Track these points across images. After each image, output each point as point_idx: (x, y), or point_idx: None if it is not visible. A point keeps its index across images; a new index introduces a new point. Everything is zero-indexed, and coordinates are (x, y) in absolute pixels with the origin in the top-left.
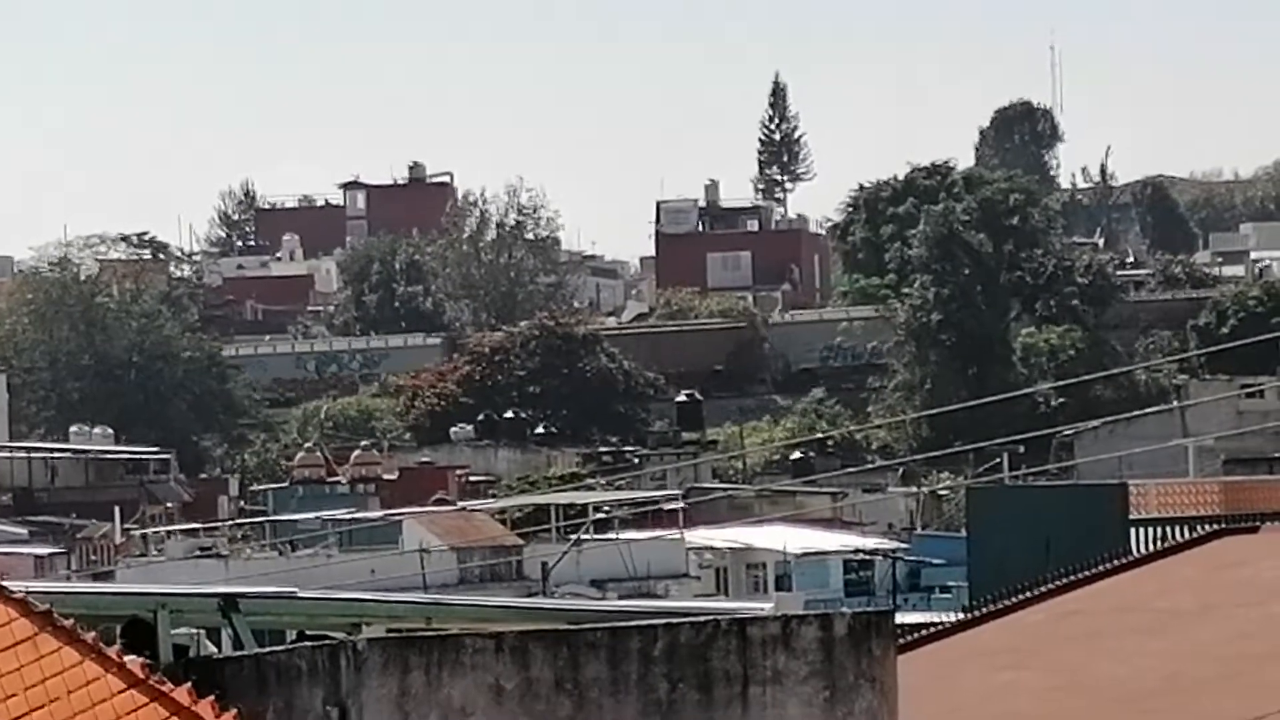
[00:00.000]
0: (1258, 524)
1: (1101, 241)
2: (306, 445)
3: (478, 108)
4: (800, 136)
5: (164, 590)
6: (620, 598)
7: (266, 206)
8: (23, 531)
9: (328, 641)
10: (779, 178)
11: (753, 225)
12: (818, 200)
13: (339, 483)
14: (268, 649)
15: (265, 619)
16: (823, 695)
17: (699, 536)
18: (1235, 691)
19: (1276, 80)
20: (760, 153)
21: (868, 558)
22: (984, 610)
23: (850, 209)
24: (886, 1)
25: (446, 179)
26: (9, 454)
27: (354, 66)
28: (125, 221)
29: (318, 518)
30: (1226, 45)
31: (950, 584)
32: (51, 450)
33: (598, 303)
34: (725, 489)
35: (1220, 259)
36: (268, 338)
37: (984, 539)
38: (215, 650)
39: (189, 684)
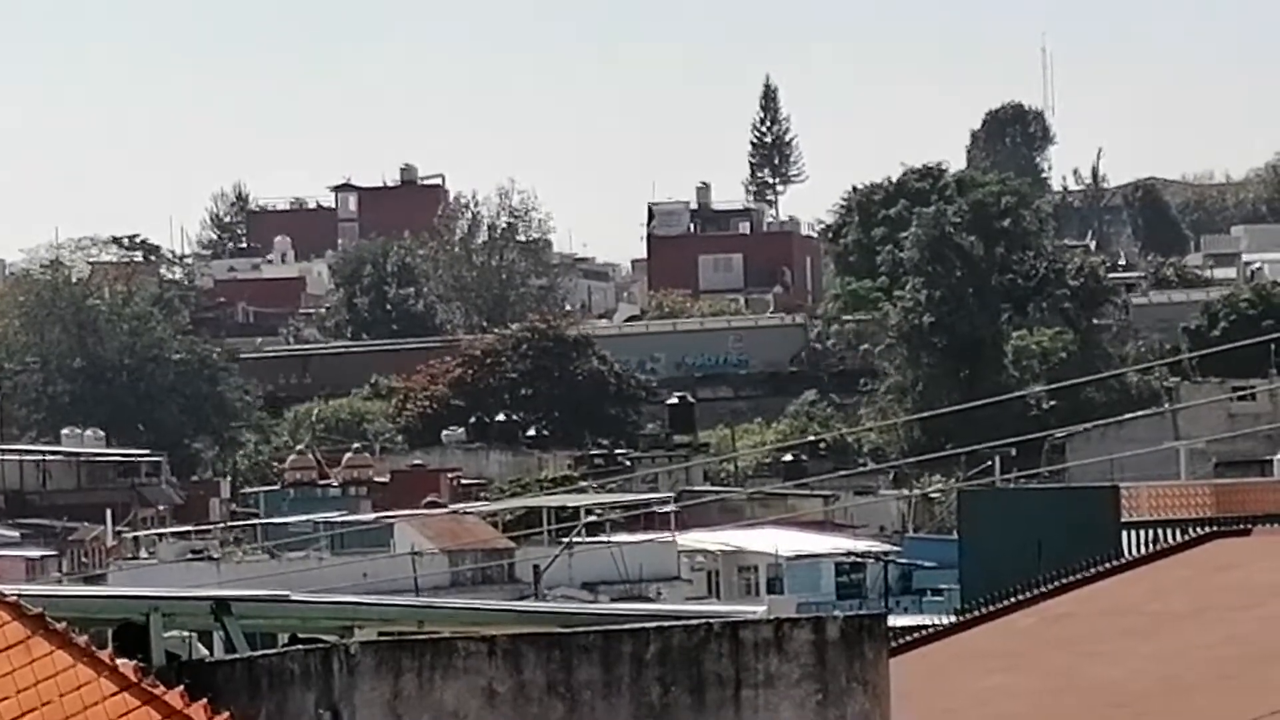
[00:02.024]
0: (1250, 526)
1: (1093, 244)
2: (298, 448)
3: (469, 110)
4: (792, 139)
5: (156, 594)
6: (612, 600)
7: (258, 209)
8: (14, 534)
9: (320, 645)
10: (770, 180)
11: (744, 227)
12: (809, 203)
13: (330, 485)
14: (260, 652)
15: (257, 622)
16: (815, 698)
17: (691, 539)
18: (1228, 694)
19: (1268, 82)
20: (752, 155)
21: (859, 560)
22: (976, 613)
23: (842, 211)
24: (877, 4)
25: (438, 181)
26: (0, 456)
27: (346, 69)
28: (116, 224)
29: (309, 520)
30: (1217, 47)
31: (942, 587)
32: (43, 453)
33: (589, 305)
34: (717, 492)
35: (1212, 261)
36: (259, 340)
37: (976, 542)
38: (207, 653)
39: (181, 687)
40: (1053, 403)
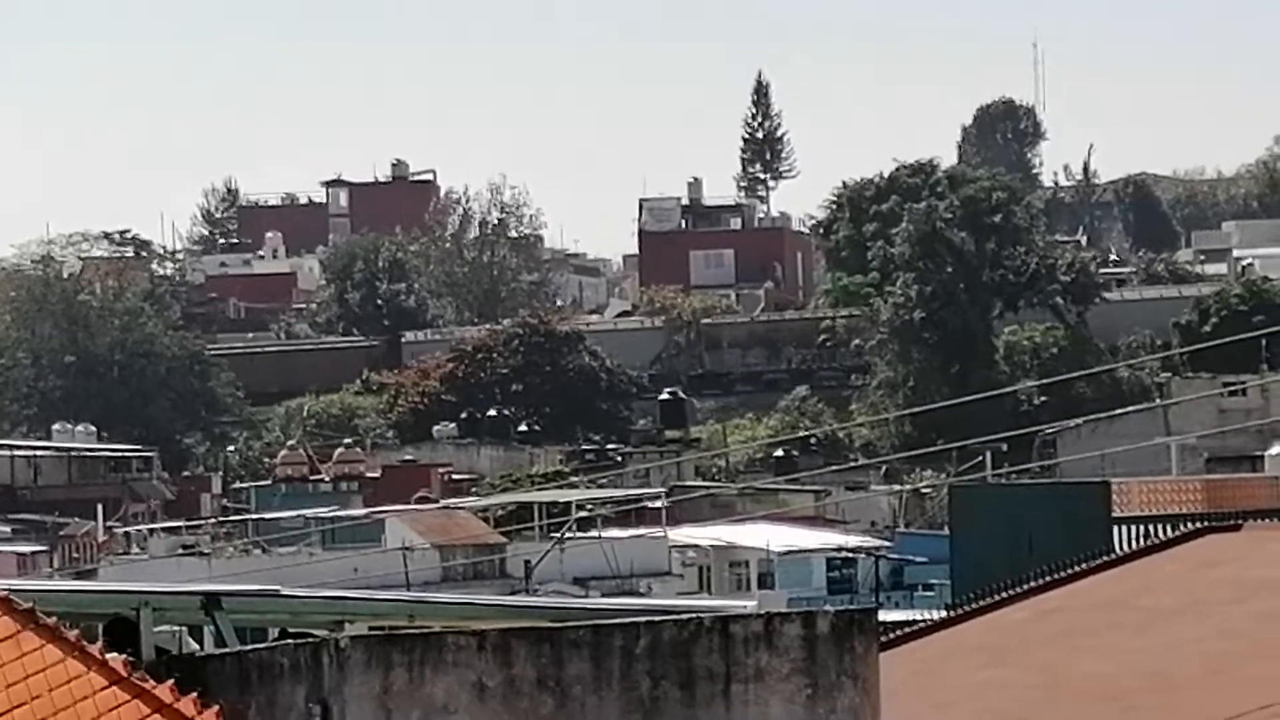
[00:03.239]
0: (1240, 522)
1: (1084, 239)
2: (289, 443)
3: (461, 105)
4: (783, 134)
5: (147, 588)
6: (603, 596)
7: (249, 204)
8: (5, 529)
9: (310, 639)
10: (762, 175)
11: (736, 223)
12: (801, 198)
13: (322, 481)
14: (250, 647)
15: (248, 617)
16: (805, 693)
17: (682, 534)
18: (1218, 689)
19: (1259, 78)
20: (743, 150)
21: (850, 556)
22: (966, 608)
23: (833, 207)
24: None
25: (429, 177)
26: None
27: (337, 64)
28: (108, 219)
29: (300, 516)
30: (1209, 42)
31: (933, 582)
32: (34, 448)
33: (580, 301)
34: (708, 487)
35: (1203, 257)
36: (250, 335)
37: (966, 537)
38: (198, 648)
39: (171, 681)
40: (1044, 398)
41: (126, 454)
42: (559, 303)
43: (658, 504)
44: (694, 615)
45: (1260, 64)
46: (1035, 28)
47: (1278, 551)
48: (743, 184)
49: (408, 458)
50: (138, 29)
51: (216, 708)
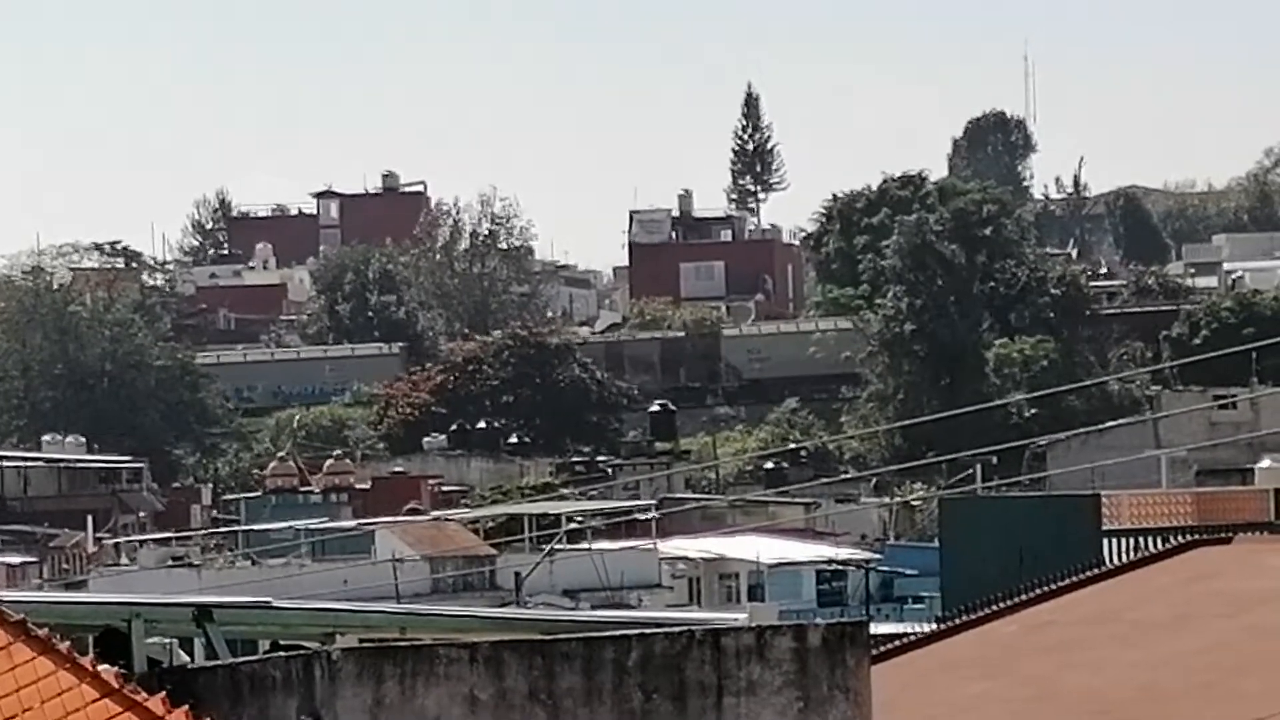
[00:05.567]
0: (1230, 535)
1: (1074, 252)
2: (279, 454)
3: (451, 117)
4: (773, 146)
5: (138, 600)
6: (593, 608)
7: (240, 215)
8: None
9: (302, 651)
10: (752, 187)
11: (726, 235)
12: (791, 210)
13: (312, 492)
14: (242, 659)
15: (239, 629)
16: (797, 706)
17: (672, 547)
18: (1208, 703)
19: (1250, 91)
20: (733, 162)
21: (841, 568)
22: (957, 621)
23: (823, 219)
24: (860, 11)
25: (420, 188)
26: None
27: (328, 75)
28: (98, 230)
29: (290, 527)
30: (1200, 55)
31: (923, 595)
32: (24, 459)
33: (570, 313)
34: (698, 499)
35: (1193, 270)
36: (240, 347)
37: (957, 550)
38: (189, 660)
39: (163, 693)
40: (1034, 410)
41: (116, 465)
42: (549, 314)
43: (648, 516)
44: (686, 628)
45: (1251, 76)
46: (1026, 40)
47: (1268, 565)
48: (733, 196)
49: (398, 469)
50: (129, 40)
51: None
